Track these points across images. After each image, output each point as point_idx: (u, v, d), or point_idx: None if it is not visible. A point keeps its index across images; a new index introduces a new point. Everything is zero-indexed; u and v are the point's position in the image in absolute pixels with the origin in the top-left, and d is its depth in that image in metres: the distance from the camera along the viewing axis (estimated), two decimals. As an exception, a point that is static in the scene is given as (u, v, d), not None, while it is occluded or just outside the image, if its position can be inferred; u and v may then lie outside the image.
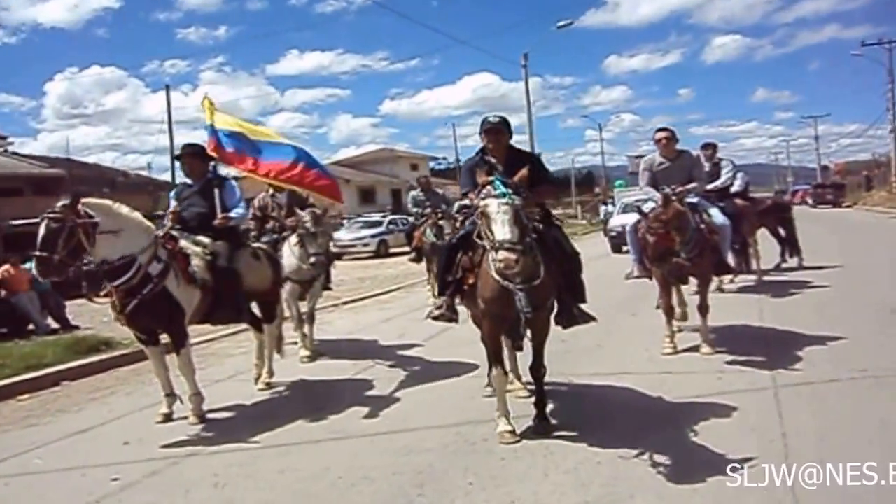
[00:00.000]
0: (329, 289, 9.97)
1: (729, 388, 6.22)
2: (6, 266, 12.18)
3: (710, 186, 11.75)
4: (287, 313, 9.11)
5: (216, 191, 6.95)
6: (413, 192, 14.70)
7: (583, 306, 5.82)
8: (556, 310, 5.66)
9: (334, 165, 62.26)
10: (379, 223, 32.07)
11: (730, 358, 7.26)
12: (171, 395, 6.47)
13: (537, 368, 5.52)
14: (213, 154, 7.21)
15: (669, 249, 7.05)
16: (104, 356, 9.11)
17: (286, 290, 9.00)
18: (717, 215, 8.07)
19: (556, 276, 5.41)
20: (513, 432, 5.29)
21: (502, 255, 4.56)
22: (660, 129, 8.35)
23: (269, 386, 7.42)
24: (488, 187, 4.85)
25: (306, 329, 9.10)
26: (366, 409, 6.36)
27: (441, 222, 13.10)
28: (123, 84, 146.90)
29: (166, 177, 49.56)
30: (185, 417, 6.34)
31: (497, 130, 5.79)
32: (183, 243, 6.53)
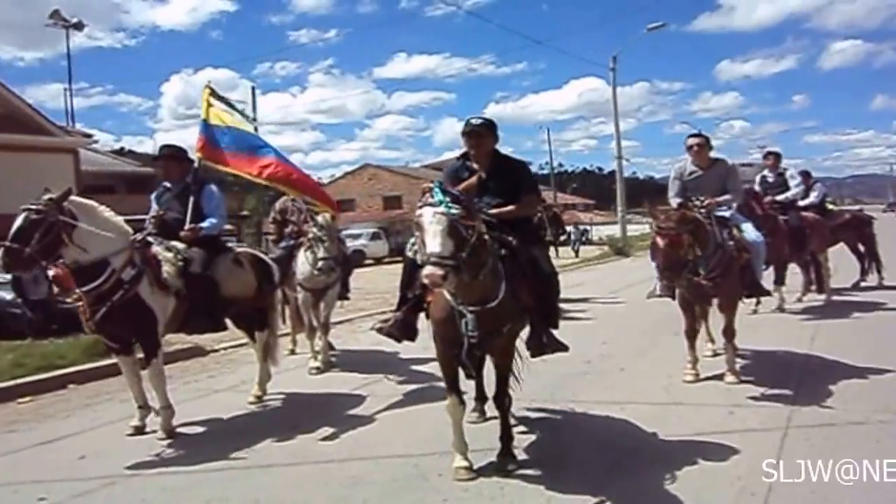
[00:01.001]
0: (346, 298, 9.62)
1: (735, 427, 5.58)
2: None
3: (780, 198, 11.01)
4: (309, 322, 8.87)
5: (192, 196, 6.61)
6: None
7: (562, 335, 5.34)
8: (528, 335, 5.19)
9: (426, 168, 62.49)
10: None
11: (753, 390, 6.58)
12: (144, 407, 6.23)
13: (500, 399, 5.01)
14: (200, 154, 6.92)
15: (682, 260, 6.32)
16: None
17: (299, 298, 8.75)
18: (749, 231, 7.31)
19: (526, 299, 4.91)
20: (468, 468, 4.79)
21: (427, 269, 4.07)
22: (692, 135, 7.66)
23: (259, 399, 7.11)
24: (427, 195, 4.36)
25: (319, 339, 8.78)
26: (338, 431, 5.98)
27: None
28: (235, 85, 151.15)
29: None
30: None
31: (479, 134, 5.31)
32: (155, 249, 6.25)
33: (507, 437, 5.02)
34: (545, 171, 73.92)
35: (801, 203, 12.21)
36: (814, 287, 11.99)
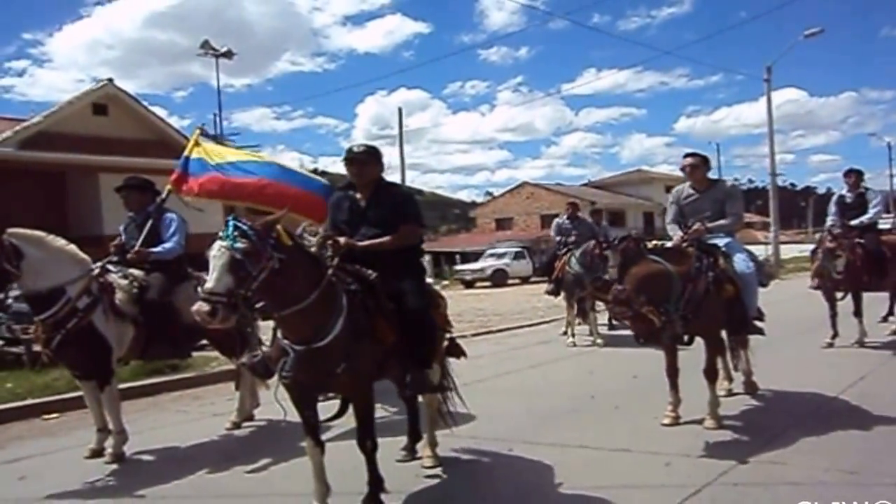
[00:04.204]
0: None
1: (653, 480, 5.08)
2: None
3: (854, 222, 10.02)
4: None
5: (150, 223, 6.79)
6: (558, 220, 13.88)
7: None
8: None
9: (585, 187, 61.71)
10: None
11: (722, 437, 6.02)
12: (103, 431, 6.45)
13: (361, 442, 4.74)
14: (172, 186, 7.13)
15: (656, 328, 5.89)
16: (156, 380, 9.41)
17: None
18: (739, 262, 6.61)
19: (385, 336, 4.72)
20: None
21: (195, 305, 3.97)
22: (686, 155, 7.11)
23: (236, 426, 7.26)
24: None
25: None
26: (270, 464, 5.98)
27: (606, 252, 12.15)
28: (427, 105, 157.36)
29: (461, 195, 52.49)
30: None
31: (360, 162, 5.21)
32: (112, 276, 6.46)
33: (373, 481, 4.78)
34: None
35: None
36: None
